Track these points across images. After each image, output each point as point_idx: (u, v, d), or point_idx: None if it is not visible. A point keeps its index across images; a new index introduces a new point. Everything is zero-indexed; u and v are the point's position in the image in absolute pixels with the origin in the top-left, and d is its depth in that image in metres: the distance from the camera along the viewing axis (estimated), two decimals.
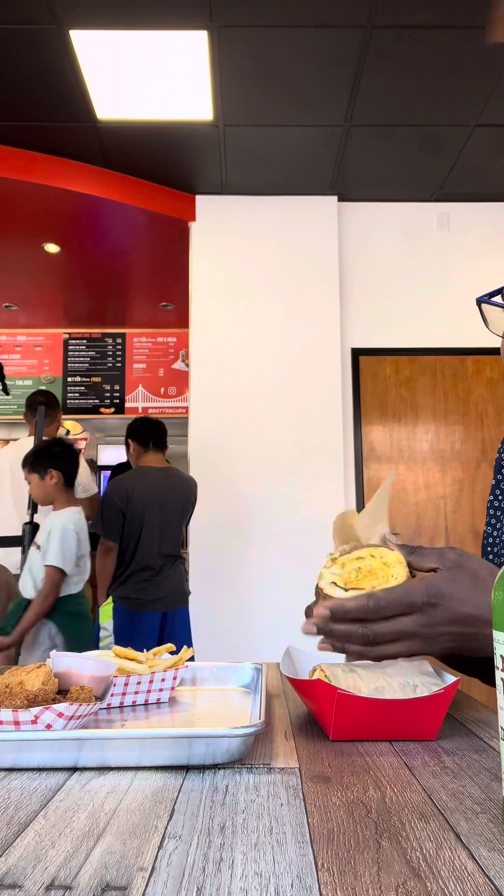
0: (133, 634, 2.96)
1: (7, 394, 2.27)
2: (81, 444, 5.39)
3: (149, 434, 3.23)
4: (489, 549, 0.97)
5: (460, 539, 3.98)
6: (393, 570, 0.71)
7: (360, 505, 3.98)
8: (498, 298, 0.78)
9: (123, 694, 0.81)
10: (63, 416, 4.44)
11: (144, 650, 0.88)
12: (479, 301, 0.78)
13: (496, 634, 0.46)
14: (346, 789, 0.54)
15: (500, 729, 0.47)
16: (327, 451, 3.85)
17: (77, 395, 5.72)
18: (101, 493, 3.57)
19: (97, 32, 2.79)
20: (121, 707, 0.81)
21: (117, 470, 4.16)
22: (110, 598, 3.04)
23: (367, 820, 0.48)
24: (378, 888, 0.38)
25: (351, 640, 0.69)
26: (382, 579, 0.71)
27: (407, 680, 0.72)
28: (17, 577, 2.89)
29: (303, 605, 0.78)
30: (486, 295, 0.78)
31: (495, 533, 0.95)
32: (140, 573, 3.02)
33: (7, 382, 2.24)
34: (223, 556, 3.77)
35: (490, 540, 0.97)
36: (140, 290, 5.07)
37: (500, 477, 1.00)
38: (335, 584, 0.72)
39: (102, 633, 3.03)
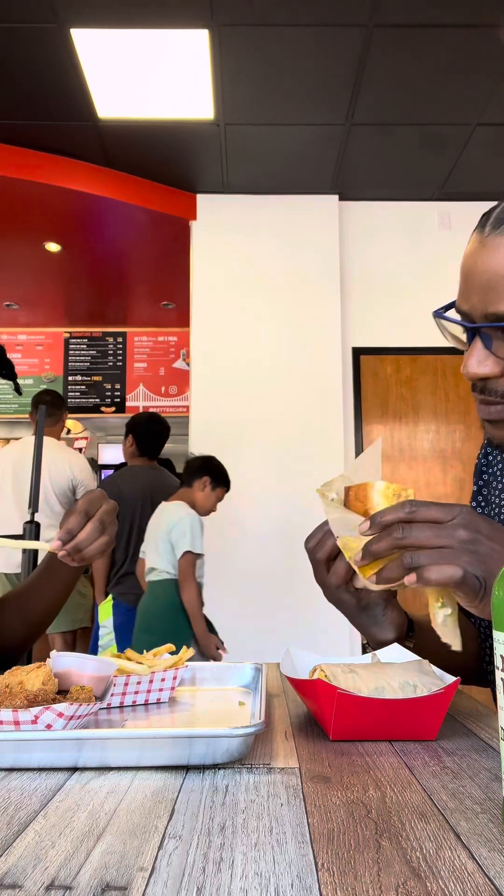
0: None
1: (20, 394, 2.28)
2: (82, 443, 5.38)
3: (150, 448, 3.29)
4: None
5: None
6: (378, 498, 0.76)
7: None
8: (451, 313, 0.80)
9: (123, 694, 0.81)
10: None
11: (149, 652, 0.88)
12: (436, 315, 0.80)
13: (496, 634, 0.46)
14: (346, 789, 0.54)
15: (500, 729, 0.47)
16: (328, 450, 3.84)
17: (78, 394, 5.72)
18: None
19: (98, 31, 2.79)
20: (121, 707, 0.81)
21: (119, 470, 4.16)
22: (109, 597, 3.08)
23: (367, 820, 0.48)
24: (378, 888, 0.38)
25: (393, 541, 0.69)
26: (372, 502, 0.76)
27: (407, 680, 0.72)
28: (17, 576, 2.88)
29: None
30: (440, 309, 0.80)
31: None
32: (135, 571, 3.05)
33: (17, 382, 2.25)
34: (223, 554, 3.77)
35: None
36: (141, 288, 5.07)
37: (480, 483, 1.02)
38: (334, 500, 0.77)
39: (102, 631, 3.06)
